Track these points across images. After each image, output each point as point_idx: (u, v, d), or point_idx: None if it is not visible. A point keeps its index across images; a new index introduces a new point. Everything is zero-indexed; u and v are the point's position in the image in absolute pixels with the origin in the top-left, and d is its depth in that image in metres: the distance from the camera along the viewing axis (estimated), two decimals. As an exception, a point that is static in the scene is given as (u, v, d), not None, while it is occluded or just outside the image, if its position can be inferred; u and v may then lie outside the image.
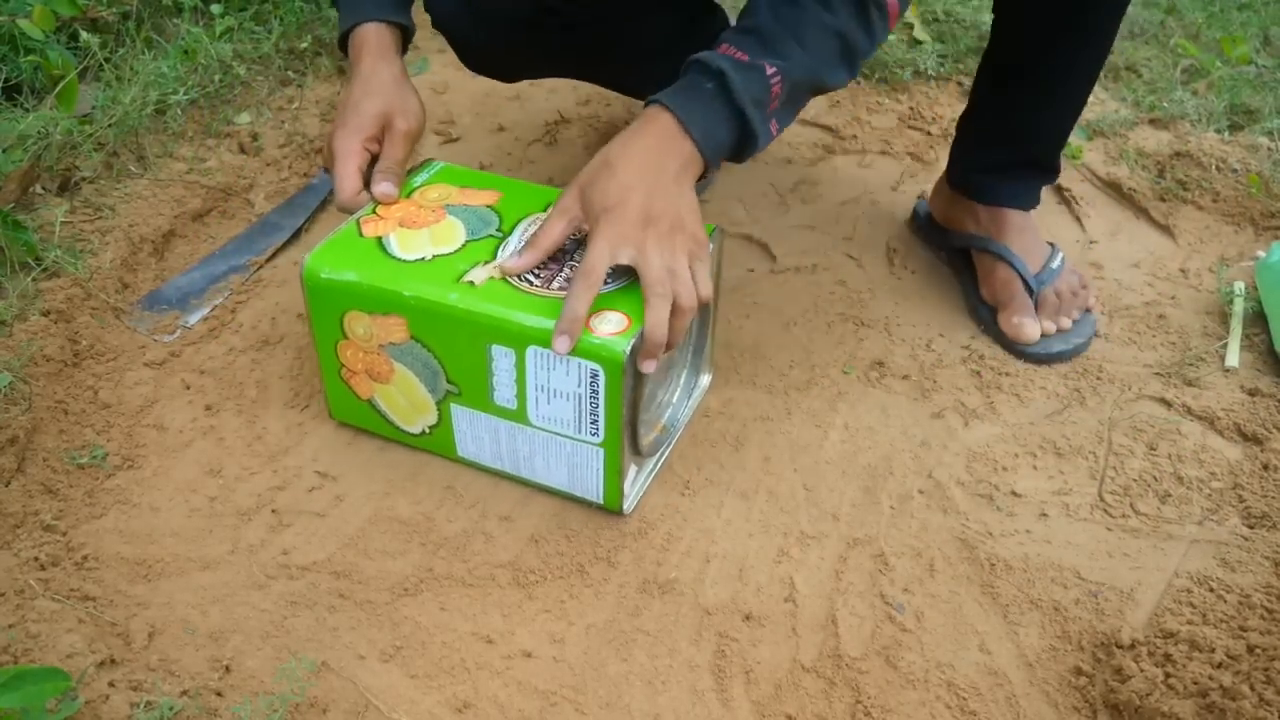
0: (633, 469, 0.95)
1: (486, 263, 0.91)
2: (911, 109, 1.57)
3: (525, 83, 1.58)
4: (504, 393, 0.90)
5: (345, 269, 0.91)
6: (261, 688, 0.82)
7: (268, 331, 1.15)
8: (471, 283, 0.89)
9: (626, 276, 0.87)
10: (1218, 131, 1.50)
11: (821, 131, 1.53)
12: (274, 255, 1.25)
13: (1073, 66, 1.10)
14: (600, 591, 0.91)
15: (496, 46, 1.13)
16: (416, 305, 0.88)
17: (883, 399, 1.11)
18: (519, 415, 0.91)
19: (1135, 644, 0.85)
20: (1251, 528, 0.98)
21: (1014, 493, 1.01)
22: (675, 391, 1.03)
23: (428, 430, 0.98)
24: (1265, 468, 1.03)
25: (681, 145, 0.86)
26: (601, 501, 0.95)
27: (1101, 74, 1.66)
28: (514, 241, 0.93)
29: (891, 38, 1.66)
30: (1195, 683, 0.81)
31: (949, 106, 1.57)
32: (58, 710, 0.75)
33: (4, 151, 1.24)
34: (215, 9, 1.57)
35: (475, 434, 0.96)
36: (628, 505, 0.96)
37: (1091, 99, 1.60)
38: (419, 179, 1.02)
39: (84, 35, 1.42)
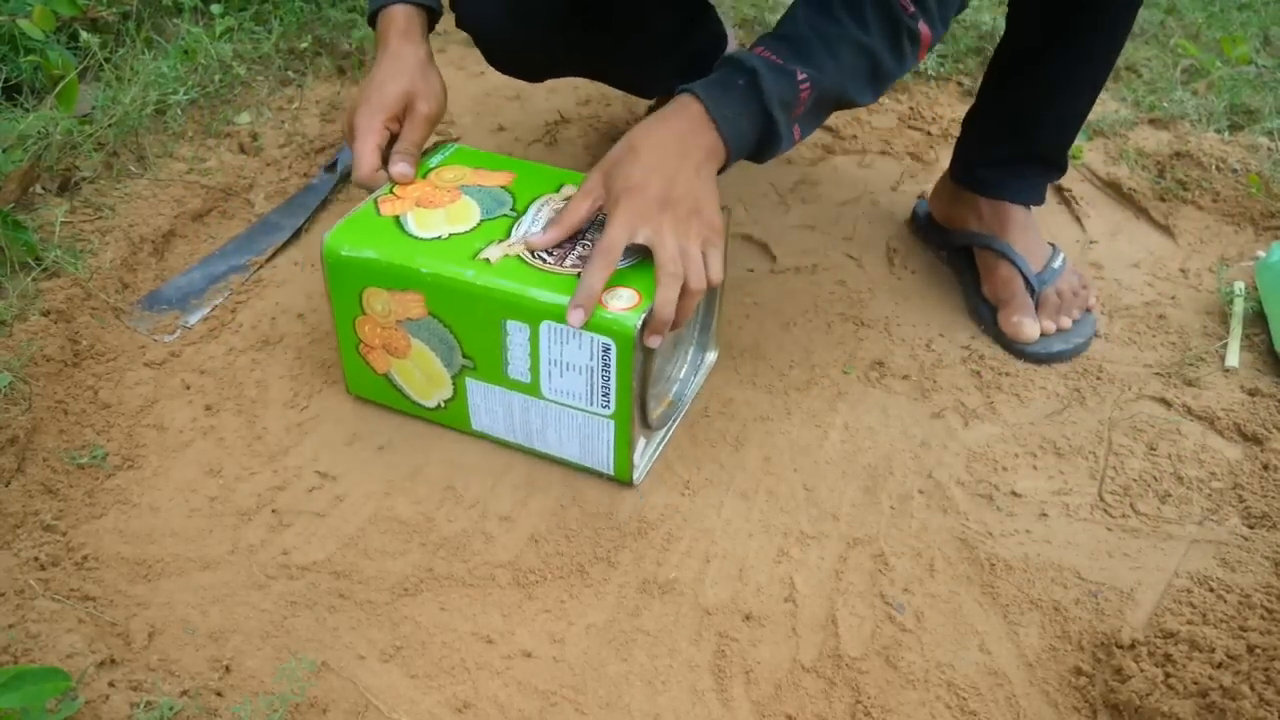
0: (641, 441, 0.97)
1: (501, 241, 0.93)
2: (911, 109, 1.57)
3: (525, 82, 1.58)
4: (518, 366, 0.93)
5: (364, 246, 0.93)
6: (261, 688, 0.82)
7: (268, 331, 1.15)
8: (487, 260, 0.91)
9: (640, 256, 0.90)
10: (1218, 131, 1.51)
11: (821, 131, 1.53)
12: (274, 255, 1.25)
13: (1085, 59, 1.10)
14: (600, 591, 0.91)
15: (528, 46, 1.13)
16: (433, 281, 0.91)
17: (883, 399, 1.11)
18: (532, 389, 0.94)
19: (1135, 644, 0.85)
20: (1251, 528, 0.98)
21: (1014, 493, 1.01)
22: (683, 368, 1.06)
23: (443, 404, 1.00)
24: (1265, 468, 1.03)
25: (707, 135, 0.89)
26: (612, 472, 0.97)
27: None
28: (527, 221, 0.95)
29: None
30: (1195, 683, 0.81)
31: (949, 106, 1.57)
32: (58, 710, 0.75)
33: (4, 151, 1.24)
34: (215, 9, 1.57)
35: (489, 407, 0.98)
36: (637, 476, 0.98)
37: (1091, 99, 1.60)
38: (435, 160, 1.04)
39: (84, 35, 1.42)
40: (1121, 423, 1.09)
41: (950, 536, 0.97)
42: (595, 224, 0.93)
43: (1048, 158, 1.19)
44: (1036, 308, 1.16)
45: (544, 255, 0.91)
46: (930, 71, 1.63)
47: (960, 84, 1.62)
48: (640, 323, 0.86)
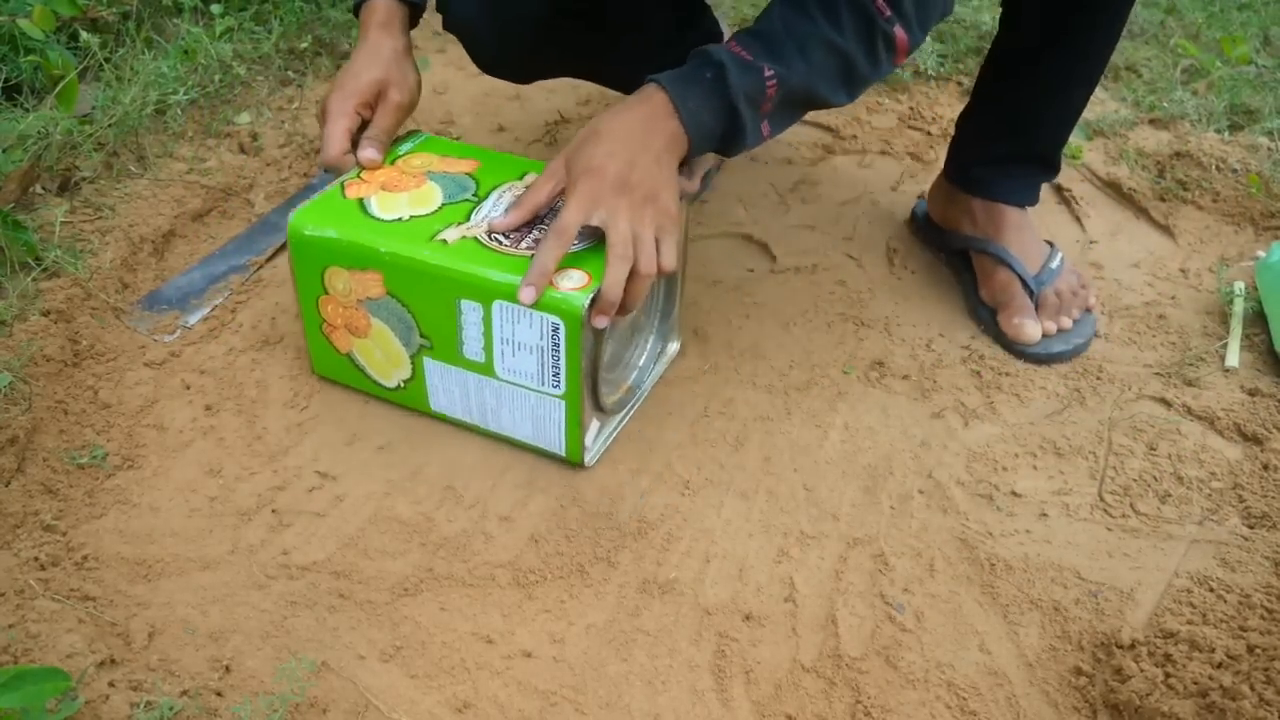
0: (595, 424, 0.99)
1: (461, 224, 0.95)
2: (911, 109, 1.57)
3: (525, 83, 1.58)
4: (472, 346, 0.95)
5: (327, 226, 0.96)
6: (261, 688, 0.82)
7: (268, 331, 1.15)
8: (444, 241, 0.93)
9: (595, 239, 0.91)
10: (1218, 131, 1.50)
11: (821, 131, 1.53)
12: (274, 255, 1.25)
13: (1080, 57, 1.11)
14: (600, 591, 0.91)
15: (513, 47, 1.14)
16: (392, 261, 0.93)
17: (883, 399, 1.11)
18: (487, 368, 0.96)
19: (1135, 644, 0.85)
20: (1251, 528, 0.98)
21: (1014, 493, 1.01)
22: (642, 355, 1.08)
23: (402, 384, 1.02)
24: (1265, 468, 1.03)
25: (669, 125, 0.90)
26: (564, 453, 0.99)
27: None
28: (488, 206, 0.98)
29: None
30: (1195, 683, 0.81)
31: (949, 106, 1.57)
32: (58, 710, 0.75)
33: (4, 151, 1.24)
34: (215, 9, 1.57)
35: (446, 387, 1.00)
36: (589, 458, 1.00)
37: (1091, 99, 1.60)
38: (404, 148, 1.07)
39: (84, 35, 1.42)
40: (1121, 423, 1.09)
41: (950, 536, 0.97)
42: (553, 210, 0.95)
43: (1042, 157, 1.19)
44: (1036, 309, 1.16)
45: (500, 238, 0.93)
46: (930, 71, 1.63)
47: (960, 84, 1.62)
48: (588, 302, 0.87)
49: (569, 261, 0.90)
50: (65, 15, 1.38)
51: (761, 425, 1.07)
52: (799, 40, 0.90)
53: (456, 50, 1.68)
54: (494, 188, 1.00)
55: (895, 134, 1.53)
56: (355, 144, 1.02)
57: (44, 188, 1.26)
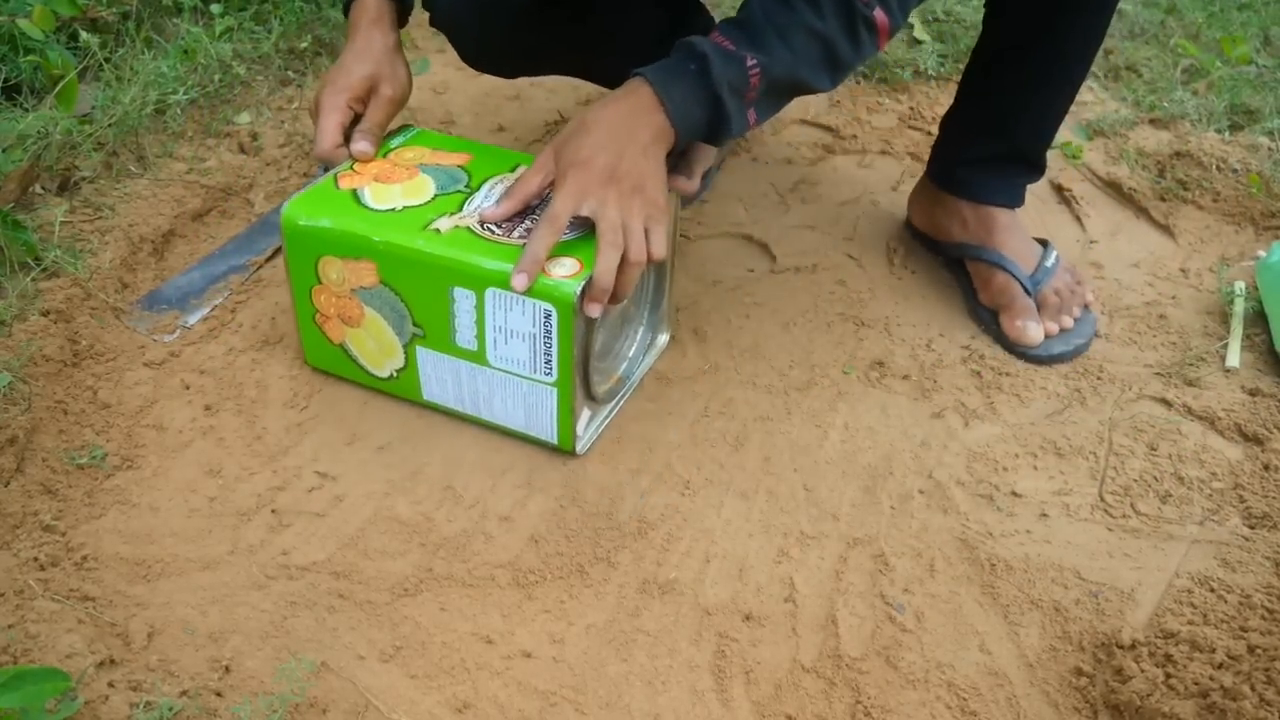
0: (586, 412, 1.00)
1: (453, 214, 0.96)
2: (911, 109, 1.57)
3: (525, 83, 1.58)
4: (465, 334, 0.96)
5: (321, 217, 0.97)
6: (261, 688, 0.81)
7: (268, 331, 1.15)
8: (437, 230, 0.95)
9: (586, 230, 0.93)
10: (1218, 131, 1.50)
11: (821, 131, 1.53)
12: (274, 255, 1.25)
13: (1060, 55, 1.11)
14: (600, 592, 0.91)
15: (497, 39, 1.14)
16: (385, 250, 0.94)
17: (883, 399, 1.11)
18: (479, 356, 0.96)
19: (1136, 644, 0.85)
20: (1252, 528, 0.98)
21: (1014, 493, 1.01)
22: (632, 346, 1.09)
23: (395, 374, 1.03)
24: (1266, 468, 1.03)
25: (655, 117, 0.91)
26: (555, 441, 1.00)
27: (1101, 74, 1.67)
28: (480, 197, 0.99)
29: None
30: (1196, 683, 0.81)
31: (949, 106, 1.57)
32: (57, 710, 0.75)
33: (4, 151, 1.24)
34: (215, 9, 1.57)
35: (439, 376, 1.01)
36: (580, 447, 1.01)
37: (1091, 99, 1.60)
38: (396, 141, 1.08)
39: (84, 35, 1.42)
40: (1122, 423, 1.09)
41: (950, 536, 0.97)
42: (544, 201, 0.96)
43: (1027, 156, 1.19)
44: (1037, 309, 1.16)
45: (492, 227, 0.94)
46: (930, 71, 1.63)
47: (960, 84, 1.62)
48: (580, 290, 0.88)
49: (561, 250, 0.91)
50: (65, 15, 1.38)
51: (761, 425, 1.07)
52: (780, 28, 0.91)
53: (456, 50, 1.68)
54: (486, 180, 1.01)
55: (895, 134, 1.52)
56: (348, 138, 1.03)
57: (44, 188, 1.26)
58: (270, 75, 1.54)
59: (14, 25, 1.32)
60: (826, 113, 1.55)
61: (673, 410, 1.08)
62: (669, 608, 0.90)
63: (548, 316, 0.90)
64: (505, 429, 1.02)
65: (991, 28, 1.14)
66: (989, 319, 1.19)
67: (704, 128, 0.94)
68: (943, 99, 1.59)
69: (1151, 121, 1.54)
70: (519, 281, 0.89)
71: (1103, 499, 1.01)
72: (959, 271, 1.25)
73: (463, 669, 0.84)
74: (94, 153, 1.30)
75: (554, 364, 0.93)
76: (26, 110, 1.34)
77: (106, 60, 1.44)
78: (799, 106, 1.54)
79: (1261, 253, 1.30)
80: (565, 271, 0.90)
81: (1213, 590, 0.91)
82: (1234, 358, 1.16)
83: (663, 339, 1.14)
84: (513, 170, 1.03)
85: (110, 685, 0.79)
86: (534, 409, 0.98)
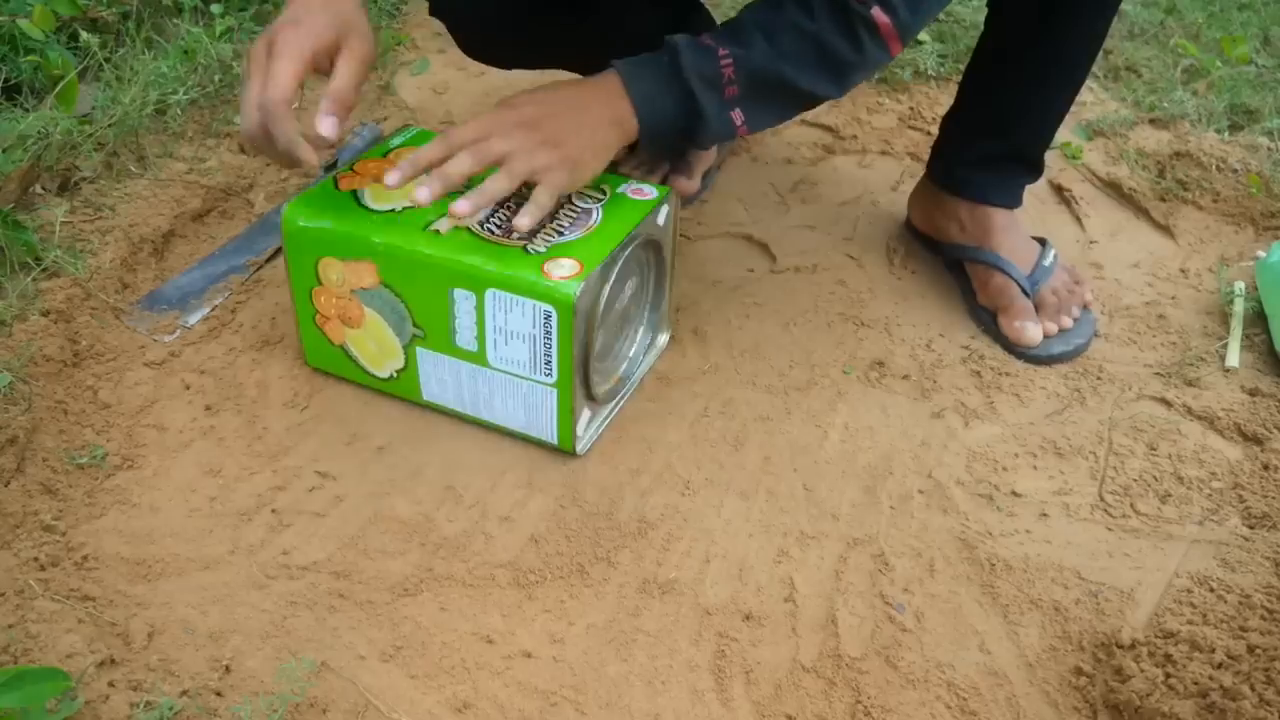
0: (586, 413, 1.00)
1: None
2: (911, 109, 1.57)
3: (525, 83, 1.58)
4: (465, 335, 0.96)
5: (321, 218, 0.97)
6: (261, 688, 0.82)
7: (268, 331, 1.15)
8: (437, 231, 0.95)
9: (586, 228, 0.94)
10: (1218, 131, 1.51)
11: (821, 131, 1.53)
12: (274, 255, 1.25)
13: (1061, 55, 1.11)
14: (600, 591, 0.91)
15: (495, 31, 1.14)
16: (385, 250, 0.95)
17: (883, 399, 1.11)
18: (479, 357, 0.97)
19: (1135, 644, 0.85)
20: (1252, 528, 0.98)
21: (1014, 493, 1.01)
22: (633, 346, 1.09)
23: (395, 374, 1.03)
24: (1266, 468, 1.03)
25: (617, 104, 0.90)
26: (556, 442, 1.00)
27: (1101, 74, 1.67)
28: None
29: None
30: (1195, 683, 0.81)
31: (949, 106, 1.57)
32: (58, 710, 0.75)
33: (4, 151, 1.24)
34: (215, 9, 1.57)
35: (439, 376, 1.01)
36: (581, 447, 1.01)
37: (1091, 99, 1.60)
38: (396, 141, 1.08)
39: (84, 35, 1.42)
40: (1122, 423, 1.09)
41: (950, 536, 0.97)
42: (528, 189, 0.94)
43: (1027, 156, 1.19)
44: (1036, 309, 1.16)
45: (491, 228, 0.95)
46: (930, 71, 1.63)
47: (960, 84, 1.62)
48: (579, 291, 0.89)
49: (559, 251, 0.91)
50: (65, 15, 1.38)
51: (761, 425, 1.07)
52: (763, 25, 0.90)
53: (457, 50, 1.68)
54: (485, 178, 1.01)
55: (895, 134, 1.53)
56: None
57: (44, 188, 1.26)
58: (270, 75, 1.54)
59: (14, 25, 1.33)
60: (826, 113, 1.55)
61: (673, 410, 1.08)
62: (669, 608, 0.90)
63: (548, 317, 0.90)
64: (505, 429, 1.02)
65: (992, 28, 1.14)
66: (988, 320, 1.19)
67: (676, 121, 0.92)
68: (943, 99, 1.59)
69: (1151, 121, 1.54)
70: (391, 179, 0.86)
71: (1102, 499, 1.01)
72: (958, 271, 1.25)
73: (463, 669, 0.84)
74: (94, 153, 1.30)
75: (554, 365, 0.93)
76: (27, 110, 1.34)
77: (107, 60, 1.44)
78: (799, 106, 1.54)
79: (1261, 253, 1.30)
80: (565, 272, 0.90)
81: (1212, 590, 0.91)
82: (1234, 358, 1.16)
83: (663, 339, 1.14)
84: None
85: (110, 685, 0.79)
86: (534, 409, 0.98)
